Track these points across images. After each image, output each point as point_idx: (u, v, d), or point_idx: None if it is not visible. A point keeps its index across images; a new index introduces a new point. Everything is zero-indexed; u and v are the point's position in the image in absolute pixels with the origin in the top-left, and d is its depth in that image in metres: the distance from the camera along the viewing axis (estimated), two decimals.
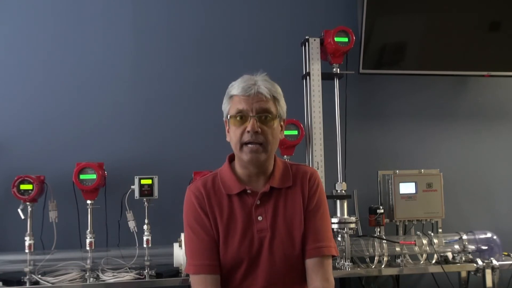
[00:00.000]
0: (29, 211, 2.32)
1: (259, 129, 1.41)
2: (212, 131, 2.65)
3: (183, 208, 1.52)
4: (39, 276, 2.26)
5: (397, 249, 2.54)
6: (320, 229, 1.49)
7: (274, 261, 1.44)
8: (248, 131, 1.41)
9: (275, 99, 1.47)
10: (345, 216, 2.48)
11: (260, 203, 1.48)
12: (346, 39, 2.57)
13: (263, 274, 1.44)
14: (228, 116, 1.48)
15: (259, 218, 1.46)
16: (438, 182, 2.67)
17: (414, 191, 2.65)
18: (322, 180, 2.47)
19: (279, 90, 1.51)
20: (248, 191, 1.48)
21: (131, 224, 2.43)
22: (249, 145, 1.42)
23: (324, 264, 1.46)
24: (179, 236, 2.26)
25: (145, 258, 2.34)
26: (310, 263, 1.47)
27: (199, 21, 2.81)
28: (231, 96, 1.48)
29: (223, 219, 1.46)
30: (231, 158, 1.56)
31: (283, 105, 1.51)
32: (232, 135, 1.46)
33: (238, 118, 1.44)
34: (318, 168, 2.50)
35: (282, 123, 1.53)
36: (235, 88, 1.46)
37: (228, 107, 1.48)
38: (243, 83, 1.46)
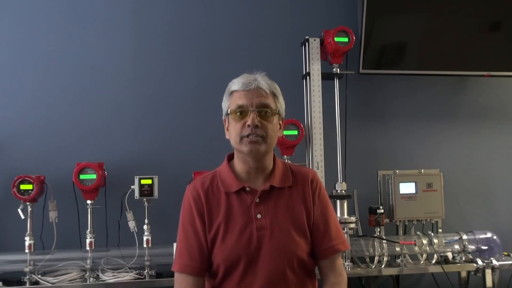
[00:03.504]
0: (29, 211, 2.32)
1: (259, 123, 1.43)
2: (212, 131, 2.65)
3: (181, 206, 1.54)
4: (39, 276, 2.26)
5: (397, 249, 2.54)
6: (331, 228, 1.53)
7: (274, 260, 1.44)
8: (249, 125, 1.42)
9: (274, 96, 1.49)
10: (345, 216, 2.48)
11: (260, 201, 1.48)
12: (346, 39, 2.57)
13: (263, 273, 1.43)
14: (228, 111, 1.48)
15: (258, 216, 1.46)
16: (438, 182, 2.67)
17: (414, 191, 2.65)
18: (322, 180, 2.47)
19: (278, 88, 1.53)
20: (247, 188, 1.48)
21: (131, 224, 2.43)
22: (249, 137, 1.43)
23: (337, 262, 1.53)
24: None
25: (145, 258, 2.34)
26: (325, 263, 1.52)
27: (199, 22, 2.81)
28: (231, 93, 1.49)
29: (221, 217, 1.46)
30: (230, 157, 1.57)
31: (282, 103, 1.53)
32: (232, 130, 1.47)
33: (238, 114, 1.45)
34: (318, 168, 2.50)
35: (280, 122, 1.54)
36: (235, 84, 1.49)
37: (228, 104, 1.50)
38: (243, 79, 1.48)
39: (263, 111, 1.45)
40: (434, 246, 2.55)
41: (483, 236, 2.65)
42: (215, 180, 1.52)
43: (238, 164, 1.52)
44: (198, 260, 1.45)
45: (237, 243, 1.44)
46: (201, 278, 1.47)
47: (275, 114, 1.48)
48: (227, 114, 1.49)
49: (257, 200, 1.47)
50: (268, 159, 1.51)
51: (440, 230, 2.67)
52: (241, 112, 1.45)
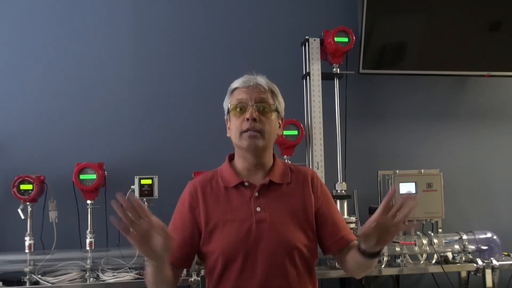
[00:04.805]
0: (29, 211, 2.32)
1: (257, 117, 1.47)
2: (212, 131, 2.65)
3: (179, 199, 1.59)
4: (39, 276, 2.26)
5: (397, 249, 2.53)
6: (339, 221, 1.59)
7: (273, 252, 1.45)
8: (247, 119, 1.46)
9: (272, 93, 1.54)
10: (345, 216, 2.48)
11: (259, 195, 1.50)
12: (346, 39, 2.57)
13: (262, 265, 1.45)
14: (229, 108, 1.52)
15: (258, 209, 1.48)
16: (438, 182, 2.67)
17: (414, 191, 2.65)
18: (322, 180, 2.46)
19: (277, 88, 1.58)
20: (246, 183, 1.51)
21: None
22: (248, 132, 1.47)
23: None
24: None
25: (145, 258, 2.34)
26: (341, 252, 1.56)
27: (199, 22, 2.81)
28: (232, 91, 1.54)
29: (219, 211, 1.49)
30: (231, 157, 1.60)
31: (281, 102, 1.57)
32: (233, 125, 1.51)
33: (238, 109, 1.50)
34: (318, 168, 2.50)
35: (280, 121, 1.58)
36: (236, 83, 1.54)
37: (229, 102, 1.54)
38: (243, 78, 1.54)
39: (261, 106, 1.49)
40: (434, 246, 2.54)
41: (483, 236, 2.64)
42: (215, 177, 1.56)
43: (238, 161, 1.56)
44: (176, 249, 1.47)
45: (236, 235, 1.45)
46: (173, 266, 1.48)
47: (273, 110, 1.52)
48: (228, 111, 1.53)
49: (256, 194, 1.50)
50: (267, 156, 1.55)
51: (440, 230, 2.66)
52: (241, 107, 1.49)
